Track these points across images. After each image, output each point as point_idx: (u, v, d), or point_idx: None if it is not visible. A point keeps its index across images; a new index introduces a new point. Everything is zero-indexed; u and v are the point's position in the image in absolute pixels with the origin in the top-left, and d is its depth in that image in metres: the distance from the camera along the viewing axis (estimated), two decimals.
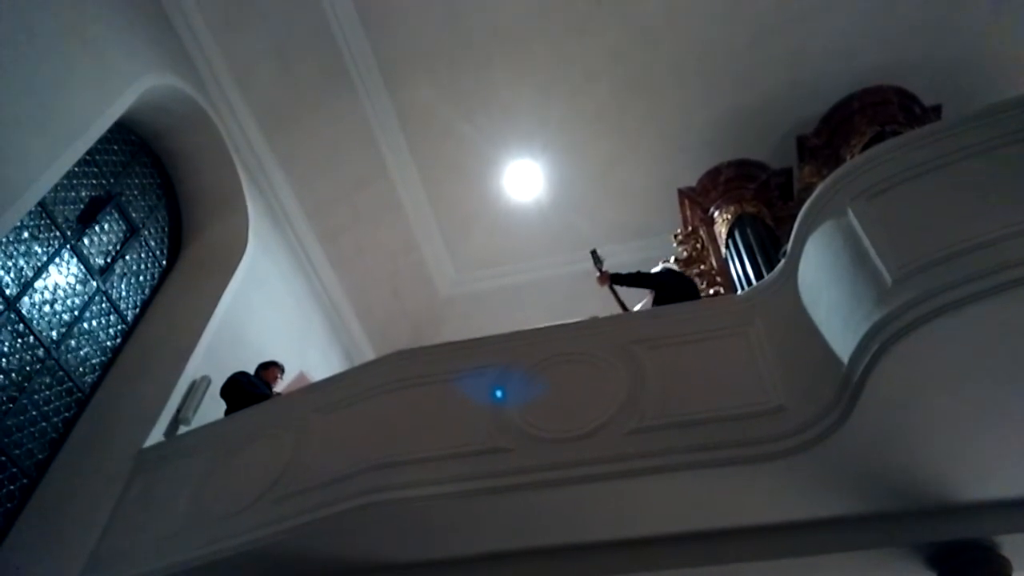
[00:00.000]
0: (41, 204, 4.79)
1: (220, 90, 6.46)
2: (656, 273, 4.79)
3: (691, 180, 7.10)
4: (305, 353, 7.19)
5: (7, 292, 4.46)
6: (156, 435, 4.67)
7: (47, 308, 4.78)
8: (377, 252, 8.24)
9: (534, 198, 8.25)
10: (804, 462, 2.94)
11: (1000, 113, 2.84)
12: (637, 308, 4.91)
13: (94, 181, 5.44)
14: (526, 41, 7.05)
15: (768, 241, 6.16)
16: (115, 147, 5.79)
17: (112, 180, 5.66)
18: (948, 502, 3.14)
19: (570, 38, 7.03)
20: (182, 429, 4.86)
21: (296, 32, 6.54)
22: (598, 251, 5.09)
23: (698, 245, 6.83)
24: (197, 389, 5.11)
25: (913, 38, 6.79)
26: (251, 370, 5.37)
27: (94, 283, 5.27)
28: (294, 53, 6.66)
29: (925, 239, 2.62)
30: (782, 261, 3.53)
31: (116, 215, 5.62)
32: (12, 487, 4.27)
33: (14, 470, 4.30)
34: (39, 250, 4.80)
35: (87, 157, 5.20)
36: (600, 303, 5.13)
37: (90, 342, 5.13)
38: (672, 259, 6.44)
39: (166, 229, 6.41)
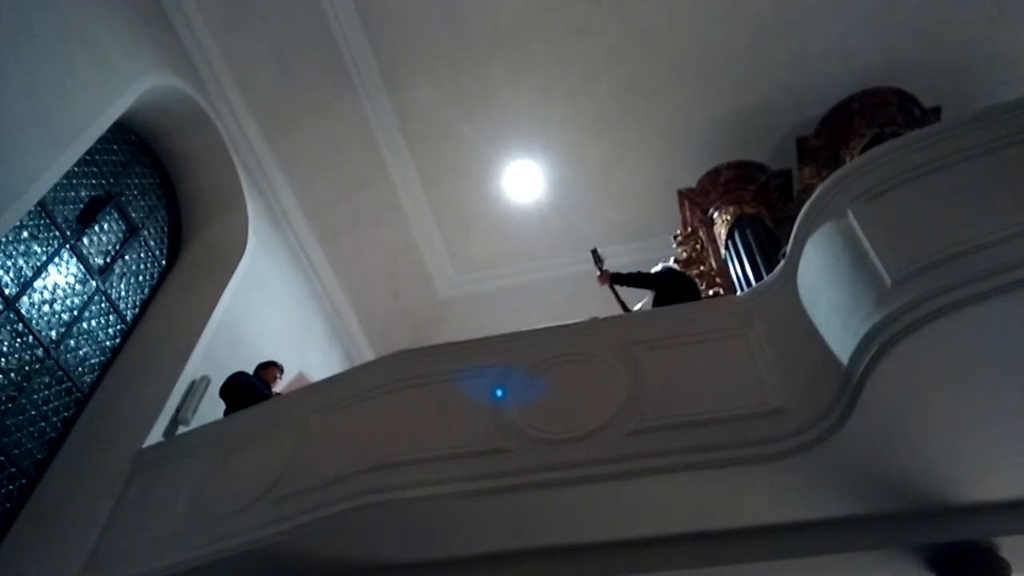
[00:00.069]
0: (41, 204, 4.79)
1: (220, 90, 6.46)
2: (656, 273, 4.79)
3: (691, 181, 7.09)
4: (305, 354, 7.19)
5: (6, 292, 4.46)
6: (155, 435, 4.67)
7: (46, 308, 4.78)
8: (377, 253, 8.24)
9: (534, 199, 8.25)
10: (803, 463, 2.94)
11: (1000, 115, 2.85)
12: (637, 308, 4.91)
13: (94, 181, 5.44)
14: (526, 41, 7.05)
15: (768, 242, 6.16)
16: (115, 147, 5.79)
17: (112, 180, 5.66)
18: (947, 503, 3.14)
19: (570, 38, 7.04)
20: (181, 429, 4.85)
21: (296, 32, 6.54)
22: (599, 250, 5.10)
23: (698, 246, 6.83)
24: (196, 389, 5.11)
25: (913, 39, 6.80)
26: (250, 370, 5.37)
27: (93, 283, 5.27)
28: (294, 53, 6.66)
29: (925, 241, 2.62)
30: (782, 262, 3.54)
31: (116, 215, 5.62)
32: (11, 487, 4.27)
33: (13, 470, 4.29)
34: (38, 250, 4.79)
35: (87, 157, 5.20)
36: (600, 304, 5.13)
37: (89, 342, 5.13)
38: (672, 259, 6.44)
39: (166, 229, 6.41)
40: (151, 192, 6.26)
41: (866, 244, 2.79)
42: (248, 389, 4.95)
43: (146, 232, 6.04)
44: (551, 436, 3.29)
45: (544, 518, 3.36)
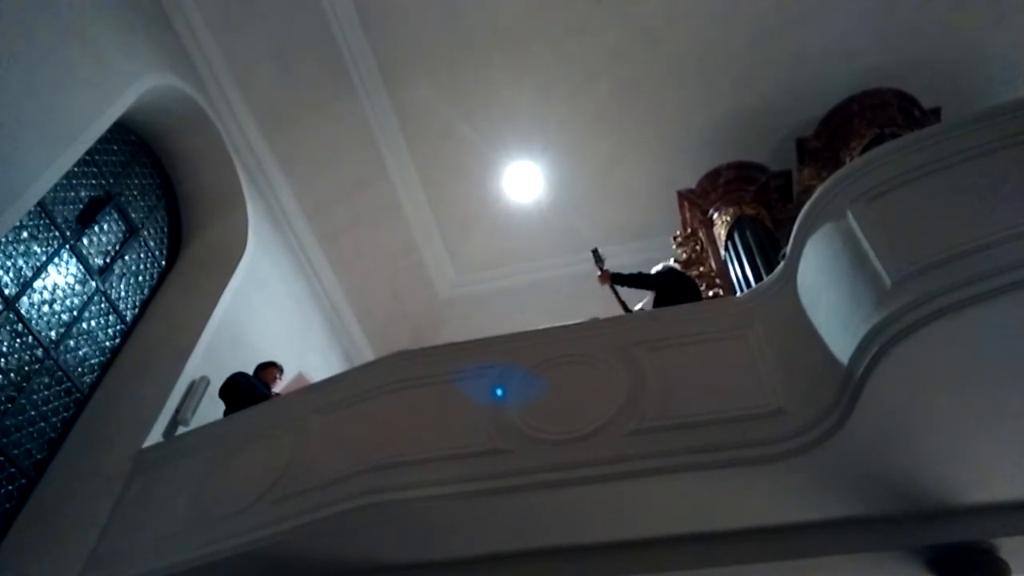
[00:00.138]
0: (40, 204, 4.79)
1: (220, 90, 6.46)
2: (657, 274, 4.79)
3: (691, 181, 7.09)
4: (305, 355, 7.19)
5: (6, 292, 4.46)
6: (155, 435, 4.67)
7: (46, 308, 4.78)
8: (377, 253, 8.24)
9: (534, 199, 8.25)
10: (803, 464, 2.94)
11: (999, 116, 2.85)
12: (638, 308, 4.91)
13: (93, 181, 5.44)
14: (526, 41, 7.05)
15: (767, 243, 6.16)
16: (115, 147, 5.79)
17: (112, 180, 5.66)
18: (947, 504, 3.14)
19: (570, 38, 7.03)
20: (181, 429, 4.85)
21: (296, 32, 6.54)
22: (599, 250, 5.10)
23: (697, 247, 6.83)
24: (196, 389, 5.11)
25: (913, 40, 6.80)
26: (250, 371, 5.37)
27: (93, 283, 5.27)
28: (294, 53, 6.66)
29: (924, 242, 2.62)
30: (781, 263, 3.54)
31: (115, 215, 5.62)
32: (11, 487, 4.26)
33: (13, 470, 4.29)
34: (38, 250, 4.79)
35: (87, 157, 5.20)
36: (600, 304, 5.13)
37: (89, 342, 5.13)
38: (672, 259, 6.44)
39: (165, 229, 6.41)
40: (151, 192, 6.26)
41: (866, 245, 2.79)
42: (248, 389, 4.95)
43: (146, 232, 6.04)
44: (551, 436, 3.29)
45: (544, 519, 3.36)
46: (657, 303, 4.53)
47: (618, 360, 3.52)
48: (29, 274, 4.66)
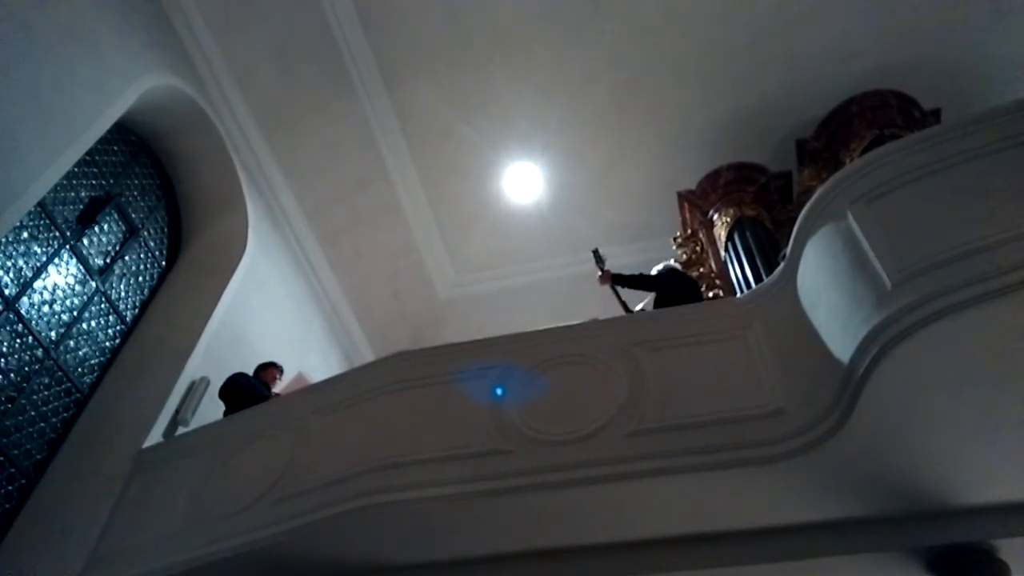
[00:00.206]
0: (40, 204, 4.79)
1: (220, 90, 6.46)
2: (657, 275, 4.79)
3: (691, 182, 7.09)
4: (304, 355, 7.19)
5: (6, 292, 4.46)
6: (155, 436, 4.67)
7: (46, 308, 4.78)
8: (377, 254, 8.24)
9: (534, 200, 8.25)
10: (803, 465, 2.94)
11: (999, 117, 2.85)
12: (639, 308, 4.91)
13: (94, 181, 5.44)
14: (526, 42, 7.05)
15: (767, 244, 6.17)
16: (115, 147, 5.79)
17: (112, 180, 5.66)
18: (947, 505, 3.14)
19: (570, 39, 7.04)
20: (181, 430, 4.85)
21: (296, 32, 6.54)
22: (600, 251, 5.10)
23: (697, 248, 6.84)
24: (196, 390, 5.11)
25: (913, 40, 6.80)
26: (250, 371, 5.37)
27: (93, 283, 5.27)
28: (294, 53, 6.66)
29: (925, 243, 2.63)
30: (781, 264, 3.54)
31: (115, 215, 5.62)
32: (11, 487, 4.26)
33: (12, 470, 4.29)
34: (38, 250, 4.79)
35: (87, 157, 5.20)
36: (600, 305, 5.14)
37: (89, 342, 5.13)
38: (672, 260, 6.44)
39: (165, 230, 6.41)
40: (151, 192, 6.26)
41: (866, 246, 2.79)
42: (248, 390, 4.95)
43: (146, 233, 6.04)
44: (551, 437, 3.29)
45: (544, 519, 3.36)
46: (658, 303, 4.53)
47: (618, 360, 3.52)
48: (29, 274, 4.66)
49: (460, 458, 3.34)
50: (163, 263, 6.24)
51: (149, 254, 6.06)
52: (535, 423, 3.37)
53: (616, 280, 4.83)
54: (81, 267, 5.17)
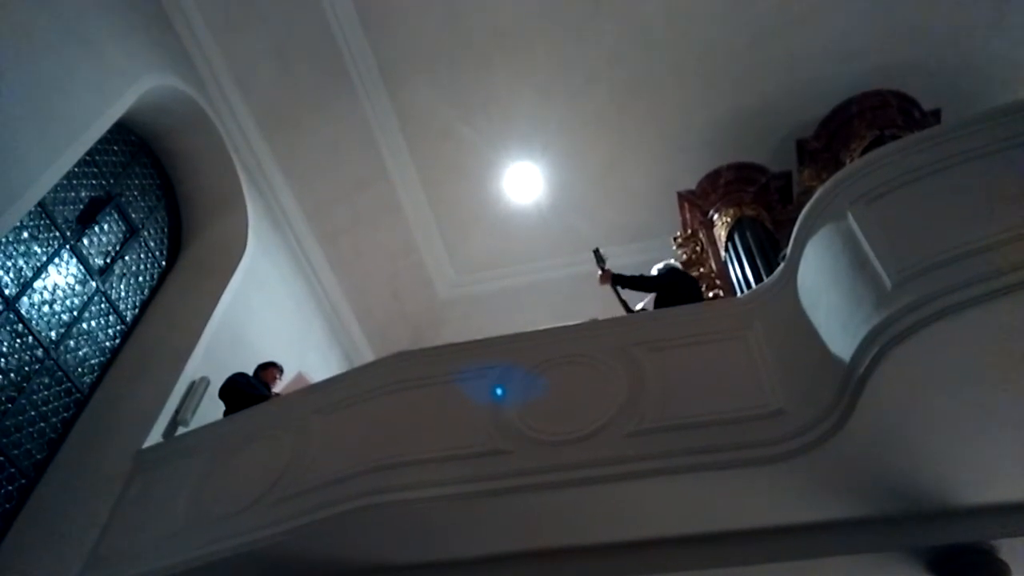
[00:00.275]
0: (41, 204, 4.79)
1: (220, 90, 6.46)
2: (657, 275, 4.79)
3: (691, 182, 7.09)
4: (304, 355, 7.19)
5: (6, 292, 4.46)
6: (155, 436, 4.67)
7: (46, 308, 4.78)
8: (377, 254, 8.24)
9: (534, 200, 8.25)
10: (803, 465, 2.94)
11: (1000, 117, 2.85)
12: (639, 307, 4.91)
13: (94, 181, 5.44)
14: (526, 42, 7.05)
15: (767, 244, 6.17)
16: (115, 148, 5.79)
17: (112, 180, 5.66)
18: (947, 505, 3.14)
19: (570, 39, 7.04)
20: (181, 430, 4.86)
21: (296, 32, 6.54)
22: (600, 250, 5.10)
23: (697, 248, 6.84)
24: (196, 390, 5.11)
25: (913, 41, 6.80)
26: (250, 371, 5.37)
27: (93, 283, 5.27)
28: (294, 53, 6.66)
29: (925, 243, 2.62)
30: (781, 264, 3.54)
31: (116, 215, 5.62)
32: (11, 487, 4.26)
33: (13, 470, 4.29)
34: (38, 250, 4.79)
35: (87, 157, 5.20)
36: (600, 305, 5.14)
37: (89, 342, 5.13)
38: (672, 259, 6.43)
39: (165, 230, 6.41)
40: (151, 193, 6.26)
41: (866, 246, 2.79)
42: (248, 390, 4.95)
43: (146, 233, 6.04)
44: (551, 437, 3.29)
45: (544, 519, 3.36)
46: (658, 303, 4.53)
47: (618, 360, 3.52)
48: (29, 274, 4.66)
49: (460, 458, 3.34)
50: (163, 263, 6.24)
51: (149, 254, 6.06)
52: (535, 423, 3.37)
53: (616, 280, 4.83)
54: (81, 267, 5.17)
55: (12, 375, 4.43)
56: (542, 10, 6.82)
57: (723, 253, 6.51)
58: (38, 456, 4.49)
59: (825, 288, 3.02)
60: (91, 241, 5.32)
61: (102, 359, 5.23)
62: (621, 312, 4.74)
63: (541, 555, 3.50)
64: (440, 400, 3.67)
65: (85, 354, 5.07)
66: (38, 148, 4.33)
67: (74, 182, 5.20)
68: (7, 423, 4.31)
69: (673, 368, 3.41)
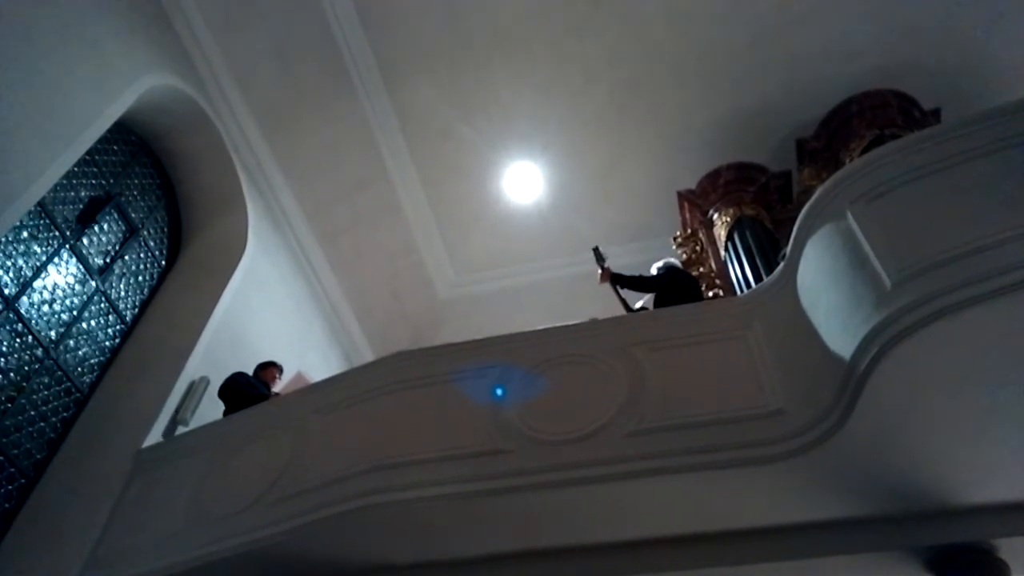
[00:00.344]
0: (40, 204, 4.79)
1: (220, 90, 6.46)
2: (656, 275, 4.79)
3: (691, 181, 7.10)
4: (304, 355, 7.19)
5: (6, 292, 4.46)
6: (155, 435, 4.67)
7: (46, 308, 4.78)
8: (377, 254, 8.24)
9: (534, 200, 8.25)
10: (803, 464, 2.94)
11: (999, 116, 2.85)
12: (639, 305, 4.91)
13: (93, 181, 5.44)
14: (526, 42, 7.05)
15: (767, 244, 6.17)
16: (115, 147, 5.79)
17: (112, 180, 5.66)
18: (947, 505, 3.14)
19: (570, 39, 7.04)
20: (180, 430, 4.85)
21: (296, 32, 6.54)
22: (600, 248, 5.10)
23: (697, 247, 6.84)
24: (196, 390, 5.11)
25: (913, 41, 6.80)
26: (250, 371, 5.37)
27: (93, 283, 5.27)
28: (294, 53, 6.66)
29: (924, 242, 2.63)
30: (781, 264, 3.54)
31: (115, 215, 5.62)
32: (10, 487, 4.26)
33: (12, 470, 4.29)
34: (38, 250, 4.79)
35: (87, 157, 5.20)
36: (600, 305, 5.13)
37: (89, 342, 5.13)
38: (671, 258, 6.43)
39: (165, 229, 6.41)
40: (151, 192, 6.26)
41: (866, 246, 2.79)
42: (247, 389, 4.95)
43: (146, 232, 6.04)
44: (551, 437, 3.29)
45: (544, 519, 3.36)
46: (658, 302, 4.53)
47: (618, 360, 3.52)
48: (29, 274, 4.66)
49: (460, 458, 3.34)
50: (163, 263, 6.24)
51: (149, 254, 6.06)
52: (535, 423, 3.37)
53: (615, 280, 4.83)
54: (81, 267, 5.17)
55: (12, 375, 4.42)
56: (542, 10, 6.82)
57: (723, 253, 6.51)
58: (38, 456, 4.49)
59: (825, 288, 3.02)
60: (91, 241, 5.32)
61: (102, 359, 5.23)
62: (621, 312, 4.74)
63: (541, 555, 3.50)
64: (440, 400, 3.67)
65: (85, 354, 5.07)
66: (38, 147, 4.33)
67: (74, 181, 5.20)
68: (7, 423, 4.31)
69: (673, 368, 3.42)
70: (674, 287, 4.53)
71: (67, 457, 4.55)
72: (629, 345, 3.58)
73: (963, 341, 2.52)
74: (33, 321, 4.64)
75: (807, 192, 6.30)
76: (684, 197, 7.10)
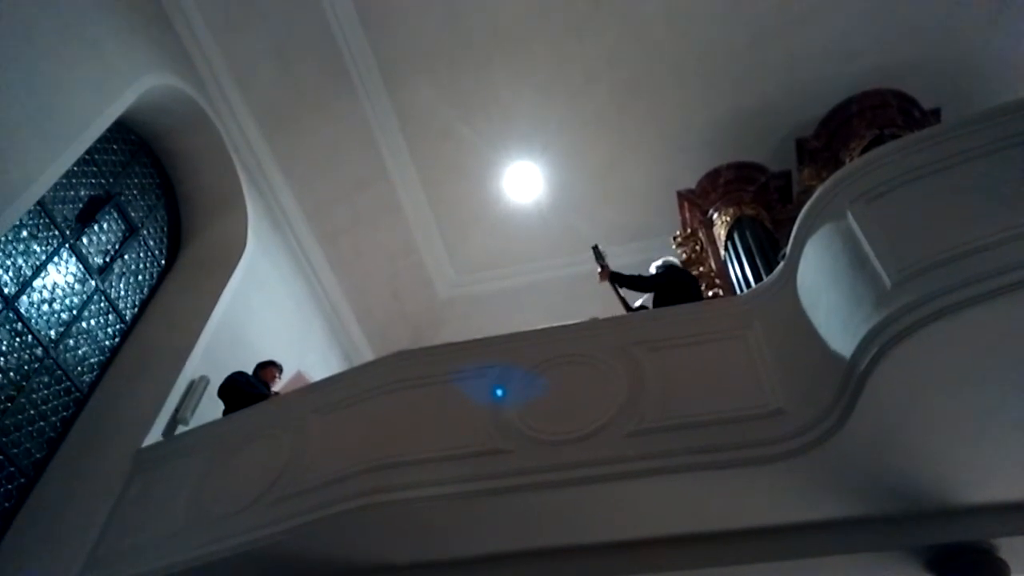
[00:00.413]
0: (40, 203, 4.79)
1: (220, 90, 6.46)
2: (656, 274, 4.79)
3: (691, 181, 7.10)
4: (304, 355, 7.19)
5: (6, 291, 4.46)
6: (154, 435, 4.67)
7: (46, 307, 4.78)
8: (377, 254, 8.24)
9: (534, 200, 8.25)
10: (803, 464, 2.94)
11: (999, 116, 2.85)
12: (639, 303, 4.90)
13: (93, 180, 5.44)
14: (526, 41, 7.05)
15: (767, 244, 6.17)
16: (115, 147, 5.79)
17: (111, 180, 5.66)
18: (947, 505, 3.14)
19: (570, 39, 7.04)
20: (180, 429, 4.85)
21: (296, 32, 6.54)
22: (599, 247, 5.09)
23: (697, 247, 6.84)
24: (195, 389, 5.11)
25: (913, 41, 6.80)
26: (249, 370, 5.36)
27: (93, 282, 5.27)
28: (294, 53, 6.66)
29: (924, 242, 2.63)
30: (781, 264, 3.54)
31: (115, 215, 5.62)
32: (10, 487, 4.26)
33: (12, 469, 4.29)
34: (38, 249, 4.79)
35: (86, 156, 5.20)
36: (600, 305, 5.13)
37: (88, 341, 5.12)
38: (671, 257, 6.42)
39: (165, 229, 6.41)
40: (151, 192, 6.26)
41: (866, 245, 2.79)
42: (247, 389, 4.95)
43: (145, 232, 6.04)
44: (551, 437, 3.29)
45: (544, 519, 3.36)
46: (657, 301, 4.53)
47: (618, 360, 3.52)
48: (29, 273, 4.66)
49: (460, 458, 3.34)
50: (163, 262, 6.24)
51: (149, 253, 6.06)
52: (535, 423, 3.37)
53: (615, 278, 4.83)
54: (80, 266, 5.17)
55: (12, 374, 4.42)
56: (542, 10, 6.82)
57: (723, 252, 6.51)
58: (37, 455, 4.48)
59: (825, 287, 3.02)
60: (90, 240, 5.32)
61: (102, 358, 5.23)
62: (621, 311, 4.74)
63: (541, 555, 3.50)
64: (440, 400, 3.67)
65: (84, 353, 5.07)
66: (38, 147, 4.33)
67: (73, 181, 5.20)
68: (6, 422, 4.31)
69: (673, 367, 3.41)
70: (673, 286, 4.53)
71: (67, 456, 4.55)
72: (629, 345, 3.58)
73: (963, 341, 2.52)
74: (33, 320, 4.64)
75: (807, 192, 6.30)
76: (684, 197, 7.10)
